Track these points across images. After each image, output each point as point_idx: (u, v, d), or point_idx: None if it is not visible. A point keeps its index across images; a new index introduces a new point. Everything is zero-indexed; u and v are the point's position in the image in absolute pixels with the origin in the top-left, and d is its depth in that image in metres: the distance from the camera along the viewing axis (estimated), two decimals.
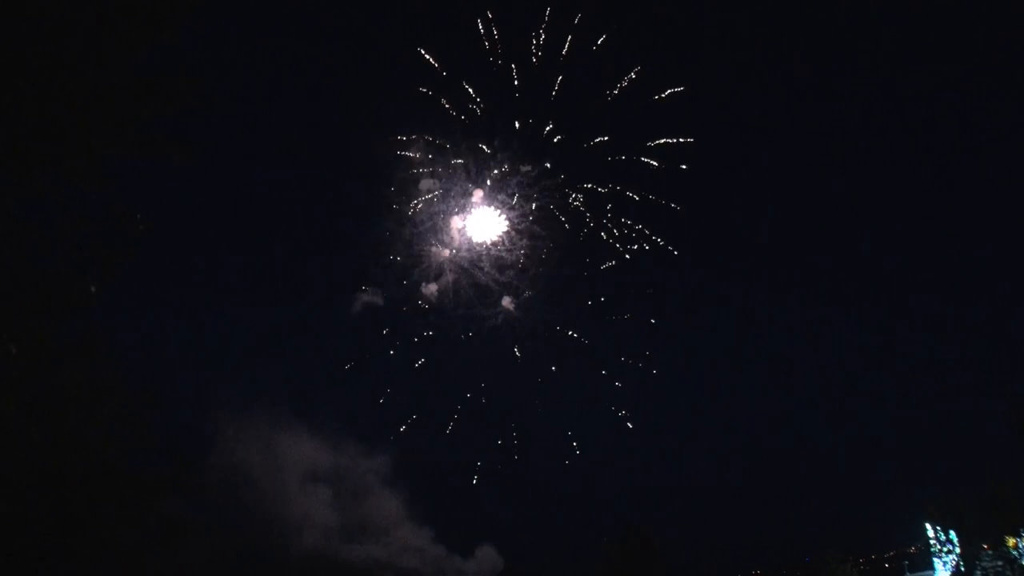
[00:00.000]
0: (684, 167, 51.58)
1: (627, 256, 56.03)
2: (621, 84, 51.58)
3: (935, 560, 58.42)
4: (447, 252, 56.58)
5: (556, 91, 52.32)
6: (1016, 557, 55.60)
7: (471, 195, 54.35)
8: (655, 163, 51.73)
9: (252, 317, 58.54)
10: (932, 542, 58.75)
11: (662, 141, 51.65)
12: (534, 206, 54.35)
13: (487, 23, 51.58)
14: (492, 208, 55.78)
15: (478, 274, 58.91)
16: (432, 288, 57.62)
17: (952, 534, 58.21)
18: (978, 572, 56.86)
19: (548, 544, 62.59)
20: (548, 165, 52.97)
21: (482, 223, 55.87)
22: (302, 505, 55.28)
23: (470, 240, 56.65)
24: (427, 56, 51.53)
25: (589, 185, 53.59)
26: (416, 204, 54.84)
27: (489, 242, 56.13)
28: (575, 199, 53.62)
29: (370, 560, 56.30)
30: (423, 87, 51.40)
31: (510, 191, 53.87)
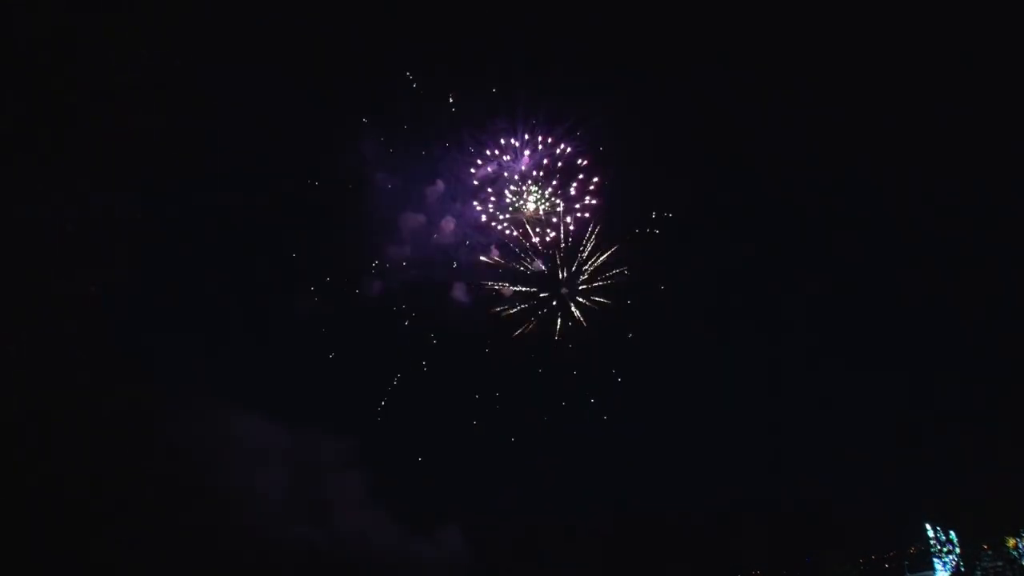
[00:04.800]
0: None
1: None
2: None
3: (935, 560, 58.46)
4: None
5: None
6: (1016, 557, 55.69)
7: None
8: None
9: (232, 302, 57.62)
10: (932, 542, 58.79)
11: None
12: None
13: None
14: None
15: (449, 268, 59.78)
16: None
17: (952, 534, 58.33)
18: (978, 572, 56.98)
19: (536, 541, 62.25)
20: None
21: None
22: (263, 488, 54.16)
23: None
24: None
25: None
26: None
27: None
28: None
29: (332, 542, 55.46)
30: None
31: None
